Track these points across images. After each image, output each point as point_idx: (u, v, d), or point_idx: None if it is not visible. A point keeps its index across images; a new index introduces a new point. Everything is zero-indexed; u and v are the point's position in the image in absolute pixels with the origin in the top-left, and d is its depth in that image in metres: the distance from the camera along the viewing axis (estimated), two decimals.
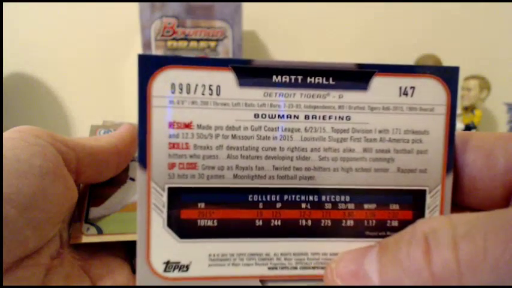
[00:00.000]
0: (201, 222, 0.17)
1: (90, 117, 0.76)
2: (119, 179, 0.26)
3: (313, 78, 0.16)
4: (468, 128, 0.74)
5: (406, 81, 0.17)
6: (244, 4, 0.63)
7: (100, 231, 0.22)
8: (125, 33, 0.74)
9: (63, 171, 0.19)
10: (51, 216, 0.19)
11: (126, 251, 0.24)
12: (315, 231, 0.17)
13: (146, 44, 0.61)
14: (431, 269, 0.12)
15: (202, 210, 0.17)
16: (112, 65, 0.76)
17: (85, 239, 0.21)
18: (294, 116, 0.17)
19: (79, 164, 0.21)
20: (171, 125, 0.17)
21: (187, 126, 0.17)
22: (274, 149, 0.17)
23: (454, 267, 0.12)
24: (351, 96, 0.17)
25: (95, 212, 0.23)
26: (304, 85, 0.16)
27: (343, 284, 0.14)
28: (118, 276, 0.21)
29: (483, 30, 0.80)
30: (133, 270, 0.23)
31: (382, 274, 0.13)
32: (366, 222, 0.17)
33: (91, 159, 0.21)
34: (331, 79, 0.16)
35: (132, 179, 0.26)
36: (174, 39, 0.61)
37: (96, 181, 0.23)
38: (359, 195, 0.17)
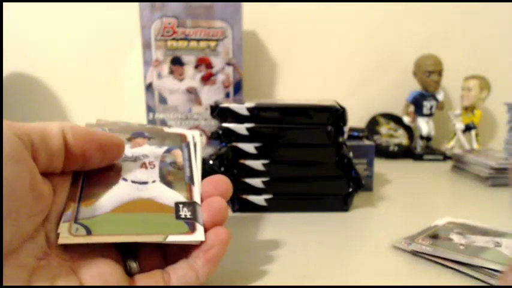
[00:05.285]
0: None
1: (90, 117, 0.76)
2: (111, 179, 0.25)
3: None
4: (468, 128, 0.74)
5: None
6: (244, 4, 0.63)
7: (89, 232, 0.21)
8: (125, 33, 0.74)
9: (25, 155, 0.19)
10: (23, 205, 0.18)
11: (118, 252, 0.23)
12: None
13: (146, 44, 0.61)
14: None
15: None
16: (112, 64, 0.76)
17: (73, 240, 0.21)
18: None
19: (33, 148, 0.20)
20: None
21: None
22: None
23: None
24: None
25: (85, 212, 0.22)
26: None
27: None
28: (108, 277, 0.21)
29: (483, 30, 0.80)
30: (127, 272, 0.23)
31: None
32: None
33: (41, 141, 0.20)
34: None
35: (125, 180, 0.25)
36: (174, 39, 0.61)
37: (48, 171, 0.22)
38: None
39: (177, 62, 0.62)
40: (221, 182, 0.27)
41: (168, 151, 0.29)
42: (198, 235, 0.24)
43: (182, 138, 0.31)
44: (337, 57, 0.80)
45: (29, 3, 0.73)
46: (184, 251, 0.24)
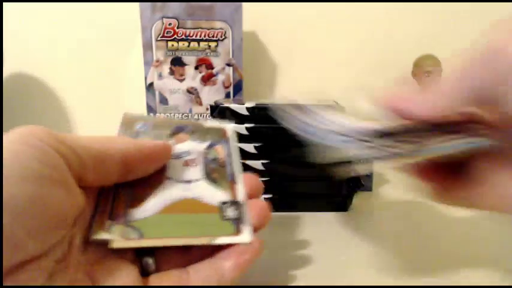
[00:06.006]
0: None
1: (90, 117, 0.76)
2: (155, 179, 0.24)
3: None
4: None
5: None
6: (244, 4, 0.63)
7: (141, 235, 0.20)
8: (126, 34, 0.74)
9: (65, 176, 0.19)
10: (53, 223, 0.18)
11: (136, 252, 0.23)
12: None
13: (147, 45, 0.61)
14: None
15: None
16: (112, 65, 0.76)
17: (126, 244, 0.20)
18: None
19: (82, 168, 0.20)
20: None
21: None
22: None
23: None
24: None
25: (134, 214, 0.21)
26: None
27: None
28: (123, 279, 0.20)
29: (483, 30, 0.80)
30: (142, 272, 0.22)
31: None
32: None
33: (95, 164, 0.20)
34: None
35: (170, 179, 0.24)
36: (174, 40, 0.61)
37: (99, 185, 0.22)
38: None
39: (177, 62, 0.62)
40: (254, 181, 0.27)
41: (210, 147, 0.28)
42: (245, 236, 0.23)
43: (222, 133, 0.30)
44: (337, 57, 0.80)
45: (29, 3, 0.73)
46: (207, 250, 0.23)
